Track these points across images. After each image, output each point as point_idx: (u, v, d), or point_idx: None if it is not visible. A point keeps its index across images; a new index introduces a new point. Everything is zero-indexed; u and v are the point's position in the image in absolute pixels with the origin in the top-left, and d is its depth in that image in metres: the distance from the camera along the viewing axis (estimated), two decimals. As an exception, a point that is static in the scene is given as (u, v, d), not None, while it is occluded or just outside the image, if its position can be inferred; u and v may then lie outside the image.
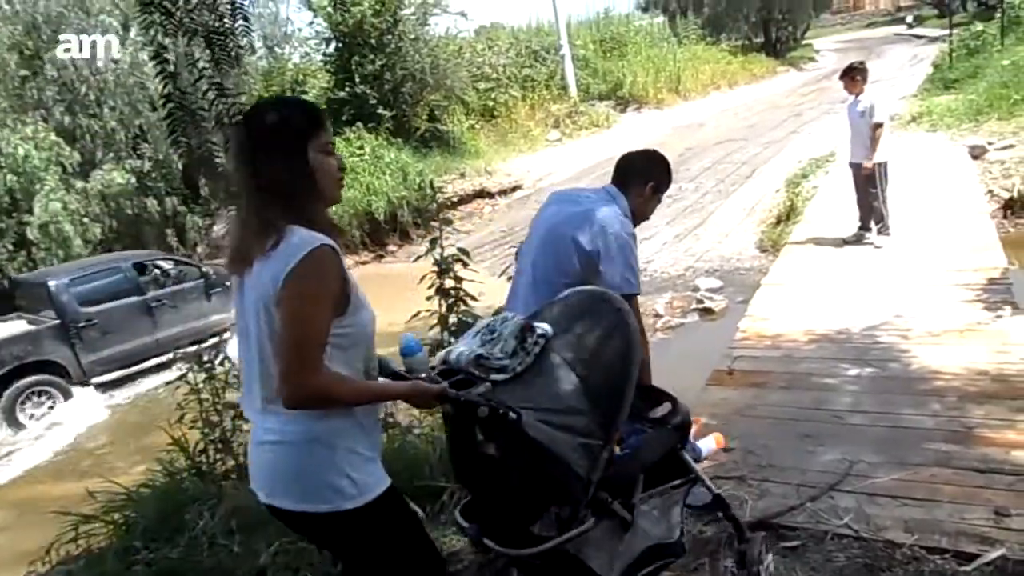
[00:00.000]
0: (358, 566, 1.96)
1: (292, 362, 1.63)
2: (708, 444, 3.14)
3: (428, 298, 4.22)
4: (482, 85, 21.03)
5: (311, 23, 17.78)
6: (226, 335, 9.07)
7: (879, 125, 6.80)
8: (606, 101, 24.08)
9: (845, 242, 7.31)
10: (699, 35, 31.98)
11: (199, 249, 13.32)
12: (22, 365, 8.41)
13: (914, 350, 4.68)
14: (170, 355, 8.12)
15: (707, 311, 7.98)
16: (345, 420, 1.75)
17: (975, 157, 10.27)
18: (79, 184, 12.50)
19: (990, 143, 10.62)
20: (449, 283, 4.24)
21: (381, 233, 14.48)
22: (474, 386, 1.86)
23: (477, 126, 20.20)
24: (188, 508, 3.37)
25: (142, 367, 9.36)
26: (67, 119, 13.01)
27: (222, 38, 2.47)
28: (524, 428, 1.77)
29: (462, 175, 16.60)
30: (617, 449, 2.18)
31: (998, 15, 18.82)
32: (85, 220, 12.10)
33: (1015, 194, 8.89)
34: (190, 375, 3.90)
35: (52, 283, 8.96)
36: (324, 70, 17.89)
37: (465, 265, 4.25)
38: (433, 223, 11.32)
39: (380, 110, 16.47)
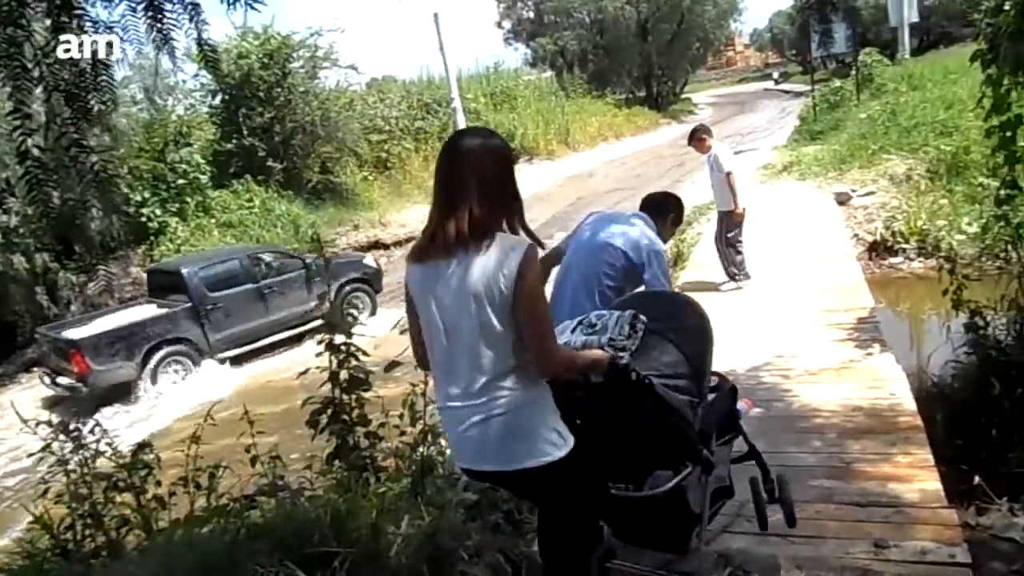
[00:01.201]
0: (557, 511, 2.28)
1: (547, 338, 2.07)
2: (742, 406, 3.31)
3: (318, 354, 4.09)
4: (375, 137, 21.06)
5: (196, 75, 17.37)
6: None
7: (729, 173, 7.36)
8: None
9: (719, 288, 7.66)
10: (585, 89, 33.31)
11: (73, 308, 12.51)
12: (163, 340, 9.84)
13: (795, 389, 4.88)
14: (280, 336, 10.72)
15: (601, 356, 8.10)
16: (545, 387, 2.12)
17: (841, 203, 11.01)
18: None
19: (853, 190, 11.41)
20: (340, 338, 4.13)
21: (272, 287, 14.07)
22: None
23: (371, 177, 20.15)
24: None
25: (257, 345, 10.71)
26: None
27: (84, 93, 2.36)
28: (656, 390, 2.29)
29: (356, 227, 16.47)
30: None
31: (854, 72, 20.47)
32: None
33: (878, 237, 9.57)
34: (55, 445, 3.61)
35: (185, 271, 10.41)
36: (210, 122, 17.48)
37: (355, 320, 4.16)
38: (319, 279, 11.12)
39: (270, 162, 16.20)
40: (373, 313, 11.61)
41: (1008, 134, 4.54)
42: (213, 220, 14.53)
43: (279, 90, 16.60)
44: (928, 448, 3.80)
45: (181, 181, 14.25)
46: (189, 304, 10.12)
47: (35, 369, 10.83)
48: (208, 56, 2.83)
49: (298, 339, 10.90)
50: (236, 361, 10.39)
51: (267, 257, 11.33)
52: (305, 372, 4.20)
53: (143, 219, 13.64)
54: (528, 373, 2.07)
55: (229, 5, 2.52)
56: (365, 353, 4.14)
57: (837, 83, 21.36)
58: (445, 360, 2.12)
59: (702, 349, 2.60)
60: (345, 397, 4.09)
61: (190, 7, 2.55)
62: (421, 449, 4.12)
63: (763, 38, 65.24)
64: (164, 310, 10.18)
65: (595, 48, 37.15)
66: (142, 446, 3.68)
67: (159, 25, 2.66)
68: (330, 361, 4.07)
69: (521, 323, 2.01)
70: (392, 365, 4.04)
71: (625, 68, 37.97)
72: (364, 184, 19.50)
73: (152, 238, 13.72)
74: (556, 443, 2.08)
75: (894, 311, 8.07)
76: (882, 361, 5.11)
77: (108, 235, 13.01)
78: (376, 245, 16.21)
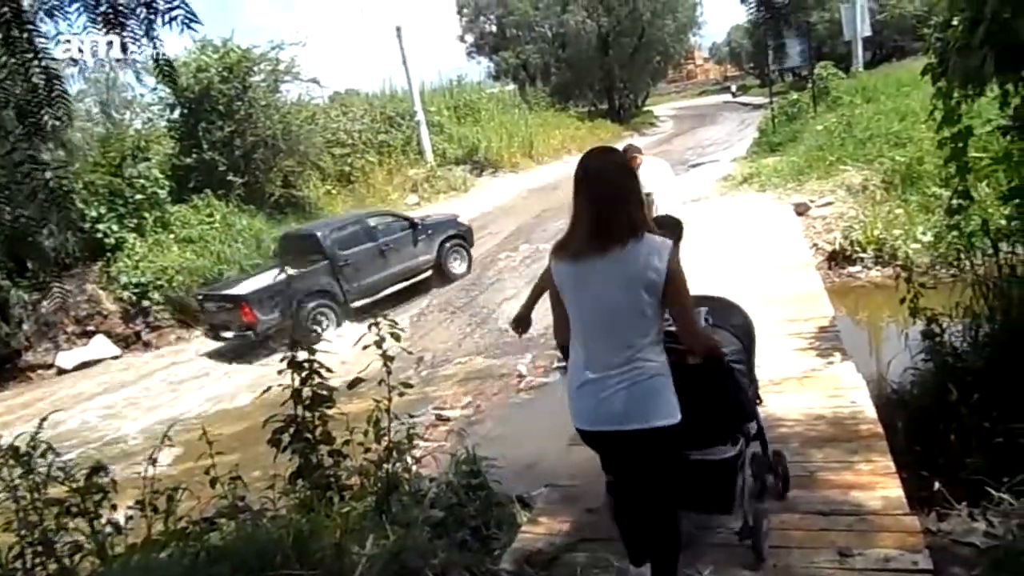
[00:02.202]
0: (653, 475, 2.67)
1: (693, 320, 2.62)
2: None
3: (280, 372, 4.02)
4: (337, 150, 20.91)
5: (154, 88, 17.10)
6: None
7: (648, 194, 7.38)
8: (463, 165, 24.55)
9: None
10: (548, 102, 33.52)
11: (25, 327, 12.17)
12: (310, 293, 11.31)
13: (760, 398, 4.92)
14: (397, 287, 12.58)
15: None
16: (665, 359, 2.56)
17: (800, 214, 11.20)
18: None
19: (812, 201, 11.62)
20: (302, 355, 4.07)
21: (234, 303, 13.87)
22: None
23: (334, 191, 19.99)
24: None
25: (381, 295, 12.27)
26: None
27: (37, 109, 2.30)
28: (735, 372, 2.96)
29: (319, 241, 16.27)
30: None
31: (810, 85, 20.90)
32: None
33: (836, 247, 9.75)
34: (3, 471, 3.49)
35: (319, 233, 12.09)
36: (169, 136, 17.19)
37: (319, 337, 4.11)
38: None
39: (230, 176, 15.96)
40: (469, 268, 13.55)
41: (959, 145, 4.67)
42: (172, 235, 14.26)
43: (239, 104, 16.39)
44: (889, 455, 3.85)
45: (139, 196, 13.95)
46: (326, 262, 11.64)
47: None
48: (164, 70, 2.78)
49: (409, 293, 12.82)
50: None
51: (381, 219, 13.20)
52: (267, 390, 4.13)
53: (99, 235, 13.32)
54: (660, 348, 2.54)
55: (165, 23, 2.48)
56: (329, 370, 4.09)
57: (794, 96, 21.77)
58: (595, 339, 2.56)
59: (751, 341, 3.32)
60: (308, 415, 4.03)
61: (146, 22, 2.50)
62: (386, 466, 4.07)
63: (722, 52, 66.39)
64: (307, 268, 11.56)
65: (557, 62, 37.40)
66: (96, 469, 3.57)
67: (119, 39, 2.61)
68: (293, 378, 4.01)
69: (671, 307, 2.50)
70: (356, 382, 3.99)
71: (587, 81, 38.30)
72: (327, 198, 19.34)
73: (109, 254, 13.40)
74: (675, 408, 2.52)
75: (854, 319, 8.21)
76: (843, 370, 5.16)
77: (63, 251, 12.66)
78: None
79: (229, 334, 11.30)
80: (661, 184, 7.54)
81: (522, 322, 3.57)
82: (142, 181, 14.05)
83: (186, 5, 2.55)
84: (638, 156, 7.43)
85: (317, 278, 11.54)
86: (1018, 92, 4.25)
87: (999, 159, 5.56)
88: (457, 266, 13.44)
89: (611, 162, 2.59)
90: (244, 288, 11.32)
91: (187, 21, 2.55)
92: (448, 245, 13.38)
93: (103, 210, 13.52)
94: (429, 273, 13.09)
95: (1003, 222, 5.29)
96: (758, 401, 3.35)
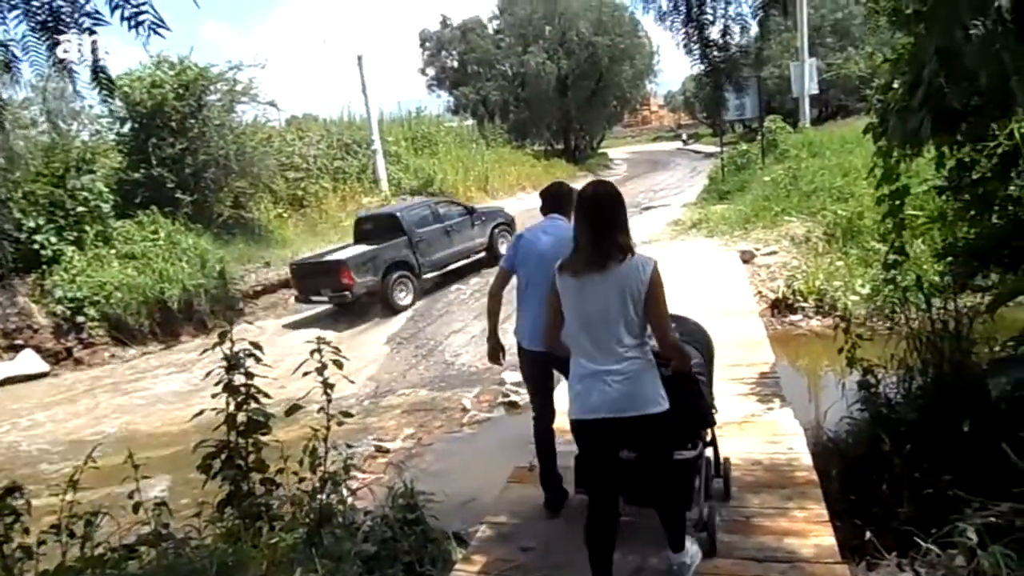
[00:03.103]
0: (655, 455, 3.16)
1: (667, 326, 3.07)
2: None
3: (214, 395, 3.89)
4: (291, 174, 20.70)
5: (104, 100, 16.69)
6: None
7: None
8: (417, 196, 24.53)
9: None
10: (505, 139, 33.85)
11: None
12: (394, 263, 13.10)
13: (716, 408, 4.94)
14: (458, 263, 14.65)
15: (513, 405, 8.06)
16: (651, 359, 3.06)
17: (745, 261, 11.45)
18: None
19: (758, 249, 11.90)
20: (239, 379, 3.95)
21: (174, 322, 13.48)
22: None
23: (285, 215, 19.72)
24: None
25: (447, 270, 14.38)
26: None
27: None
28: (700, 382, 3.44)
29: (267, 264, 15.98)
30: None
31: (759, 138, 21.54)
32: None
33: (779, 295, 9.97)
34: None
35: (399, 213, 14.26)
36: (117, 150, 16.78)
37: (258, 360, 3.99)
38: (228, 312, 10.94)
39: (179, 194, 15.62)
40: None
41: (896, 203, 4.84)
42: (114, 251, 13.83)
43: (193, 121, 16.12)
44: (823, 503, 3.89)
45: (81, 209, 13.54)
46: (404, 237, 13.41)
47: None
48: (103, 83, 2.70)
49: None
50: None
51: (444, 205, 15.42)
52: (200, 413, 3.99)
53: (35, 246, 12.86)
54: (647, 348, 3.04)
55: (131, 28, 2.41)
56: (267, 395, 3.98)
57: (744, 147, 22.38)
58: (594, 340, 3.02)
59: (711, 356, 3.80)
60: (241, 441, 3.90)
61: (87, 31, 2.43)
62: (320, 496, 3.96)
63: (676, 100, 67.91)
64: (388, 243, 13.27)
65: (516, 100, 37.85)
66: (9, 491, 3.38)
67: (58, 47, 2.54)
68: (227, 403, 3.89)
69: (650, 314, 2.98)
70: (294, 408, 3.89)
71: (545, 121, 38.81)
72: (278, 221, 19.06)
73: (44, 267, 12.92)
74: (663, 398, 3.01)
75: (794, 367, 8.37)
76: (782, 416, 5.24)
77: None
78: (287, 284, 15.75)
79: (322, 296, 13.00)
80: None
81: (495, 351, 4.26)
82: (85, 194, 13.66)
83: (154, 10, 2.47)
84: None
85: (399, 251, 13.31)
86: (953, 154, 4.43)
87: (934, 218, 5.79)
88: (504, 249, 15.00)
89: (606, 194, 3.10)
90: (343, 255, 13.36)
91: (154, 26, 2.48)
92: (497, 231, 15.44)
93: (42, 221, 13.09)
94: (483, 255, 15.03)
95: (936, 278, 5.49)
96: (714, 410, 3.68)
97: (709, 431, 3.71)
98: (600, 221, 3.01)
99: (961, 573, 2.78)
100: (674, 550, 3.28)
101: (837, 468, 4.53)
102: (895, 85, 4.39)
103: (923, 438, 4.19)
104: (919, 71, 3.45)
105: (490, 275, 14.44)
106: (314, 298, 13.13)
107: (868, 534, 3.63)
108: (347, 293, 12.40)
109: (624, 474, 3.19)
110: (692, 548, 3.35)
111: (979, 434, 3.83)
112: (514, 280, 4.14)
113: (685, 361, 3.19)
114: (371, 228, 14.27)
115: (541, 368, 4.09)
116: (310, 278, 13.24)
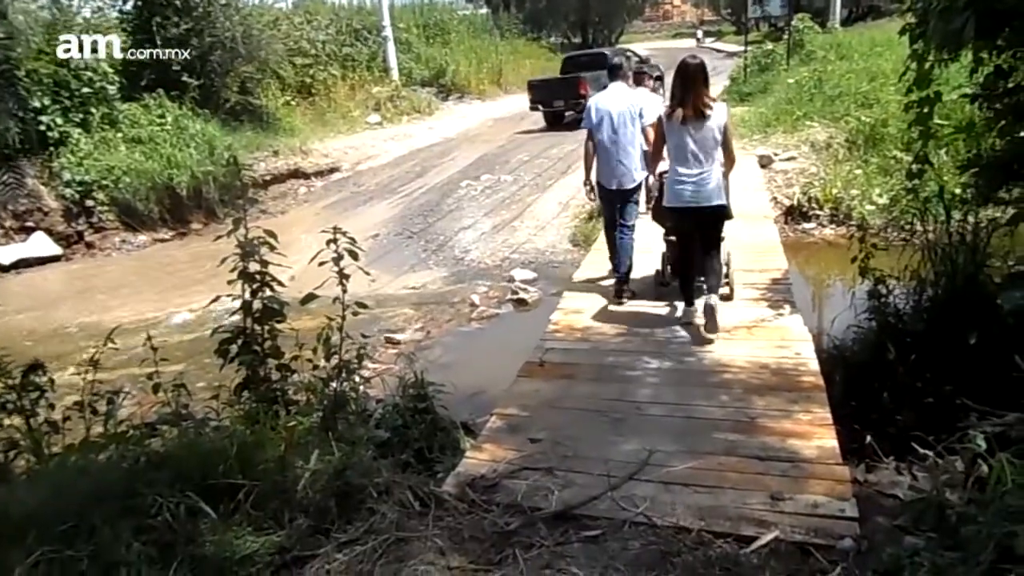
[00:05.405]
0: (717, 227, 5.22)
1: (733, 152, 5.17)
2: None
3: (230, 282, 3.93)
4: (299, 60, 20.17)
5: (107, -24, 16.08)
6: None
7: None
8: (428, 87, 23.99)
9: None
10: (520, 30, 32.73)
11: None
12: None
13: (708, 345, 5.02)
14: None
15: (521, 302, 8.14)
16: None
17: (763, 166, 11.26)
18: None
19: (776, 154, 11.67)
20: (254, 267, 3.97)
21: (184, 209, 13.44)
22: None
23: (293, 103, 19.35)
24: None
25: None
26: None
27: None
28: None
29: (276, 153, 15.82)
30: None
31: (786, 37, 20.78)
32: None
33: (795, 202, 9.86)
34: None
35: (607, 52, 17.59)
36: (120, 28, 16.27)
37: (272, 248, 3.99)
38: (239, 201, 10.86)
39: (185, 77, 15.25)
40: None
41: (925, 110, 4.69)
42: (120, 134, 13.60)
43: (198, 0, 15.59)
44: (827, 407, 3.98)
45: (86, 90, 13.26)
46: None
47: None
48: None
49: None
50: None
51: (629, 55, 16.40)
52: (216, 299, 4.05)
53: (42, 127, 12.67)
54: (720, 165, 5.05)
55: None
56: (281, 284, 4.01)
57: (769, 46, 21.64)
58: (692, 160, 4.94)
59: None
60: (257, 328, 3.97)
61: None
62: (334, 384, 4.05)
63: (700, -6, 65.22)
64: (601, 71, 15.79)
65: (533, -12, 36.44)
66: (33, 368, 3.47)
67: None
68: (243, 289, 3.93)
69: (725, 143, 5.00)
70: (309, 297, 3.93)
71: (562, 12, 37.45)
72: (286, 109, 18.70)
73: (52, 148, 12.77)
74: (728, 197, 5.11)
75: (804, 275, 8.37)
76: (791, 322, 5.29)
77: (2, 141, 12.00)
78: (296, 174, 15.65)
79: (558, 104, 17.97)
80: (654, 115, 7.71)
81: (590, 188, 6.33)
82: (90, 74, 13.34)
83: None
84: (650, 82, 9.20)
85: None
86: (991, 60, 4.26)
87: (961, 128, 5.64)
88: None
89: (698, 66, 4.94)
90: (581, 74, 17.53)
91: None
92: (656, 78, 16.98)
93: (47, 101, 12.81)
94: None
95: (958, 191, 5.39)
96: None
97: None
98: (696, 83, 4.86)
99: (960, 479, 2.87)
100: (711, 292, 5.10)
101: (841, 374, 4.61)
102: (938, -17, 4.16)
103: (928, 349, 4.23)
104: (967, -31, 3.28)
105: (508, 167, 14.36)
106: (547, 109, 18.17)
107: (868, 438, 3.73)
108: (582, 101, 14.37)
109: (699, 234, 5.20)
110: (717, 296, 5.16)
111: (985, 348, 3.86)
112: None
113: (733, 166, 5.23)
114: (585, 61, 18.84)
115: (613, 197, 6.07)
116: (548, 89, 18.10)
